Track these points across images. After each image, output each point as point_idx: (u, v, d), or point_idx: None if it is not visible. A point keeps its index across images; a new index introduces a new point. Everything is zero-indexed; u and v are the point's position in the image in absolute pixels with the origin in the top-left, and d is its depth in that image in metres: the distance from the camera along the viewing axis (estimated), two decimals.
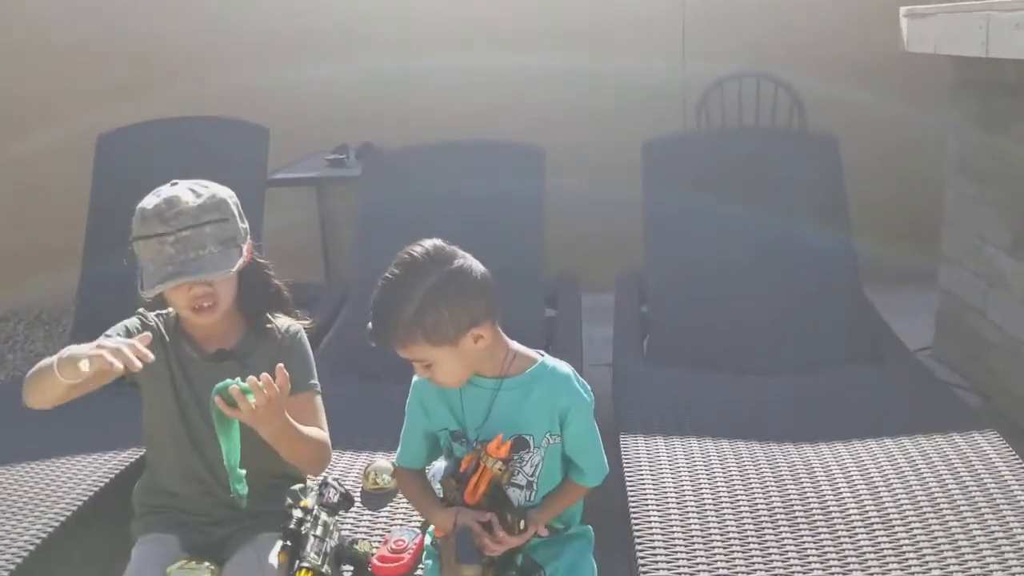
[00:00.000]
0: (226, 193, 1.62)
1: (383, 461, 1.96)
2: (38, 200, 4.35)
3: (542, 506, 1.53)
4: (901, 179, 4.02)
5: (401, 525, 1.80)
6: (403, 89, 4.16)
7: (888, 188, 3.98)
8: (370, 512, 1.86)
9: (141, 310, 1.70)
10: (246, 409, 1.42)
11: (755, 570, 1.60)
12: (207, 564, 1.52)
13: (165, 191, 1.56)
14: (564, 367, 1.56)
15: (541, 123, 3.81)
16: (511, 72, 4.11)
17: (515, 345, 1.55)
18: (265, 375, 1.44)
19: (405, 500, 1.88)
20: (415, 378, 1.59)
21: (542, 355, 1.57)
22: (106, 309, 2.69)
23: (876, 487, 1.81)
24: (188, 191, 1.56)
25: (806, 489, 1.83)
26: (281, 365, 1.48)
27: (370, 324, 1.45)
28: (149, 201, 1.55)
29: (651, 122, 3.25)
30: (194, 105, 3.24)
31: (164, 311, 1.71)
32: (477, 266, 1.47)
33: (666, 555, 1.65)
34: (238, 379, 1.44)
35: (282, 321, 1.70)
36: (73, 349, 1.44)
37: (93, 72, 4.22)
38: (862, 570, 1.59)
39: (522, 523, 1.45)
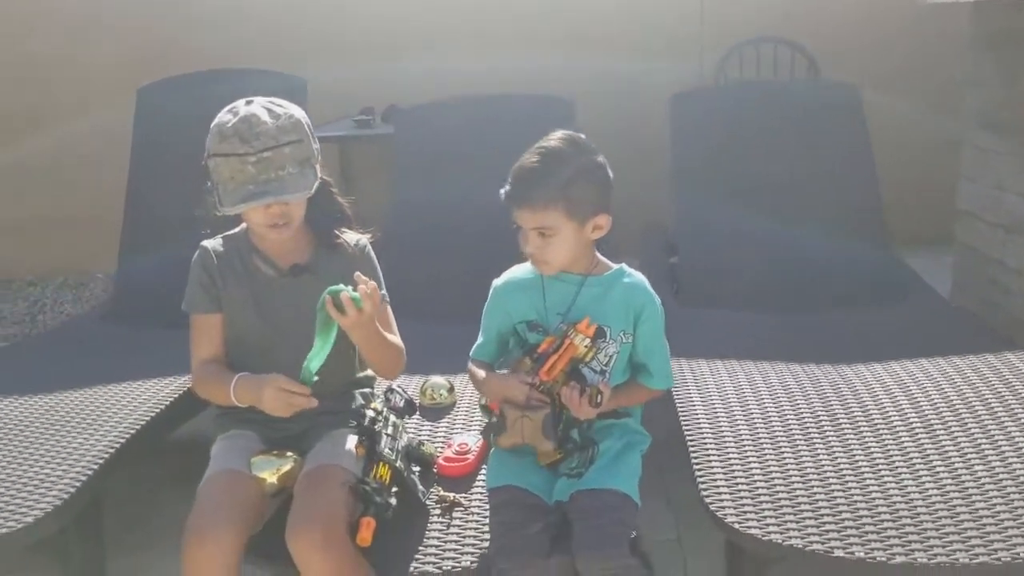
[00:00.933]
0: (300, 113, 1.66)
1: (439, 378, 2.03)
2: (59, 169, 4.40)
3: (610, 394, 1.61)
4: (918, 144, 4.10)
5: (462, 431, 1.87)
6: (425, 53, 4.21)
7: (904, 152, 4.05)
8: (430, 422, 1.94)
9: (203, 243, 1.75)
10: (353, 316, 1.51)
11: (806, 472, 1.67)
12: (290, 454, 1.59)
13: (242, 109, 1.60)
14: (640, 275, 1.69)
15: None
16: (531, 37, 4.18)
17: (598, 254, 1.69)
18: (372, 283, 1.53)
19: (463, 412, 1.97)
20: (495, 283, 1.71)
21: (621, 264, 1.70)
22: (149, 262, 2.80)
23: (915, 397, 1.89)
24: (264, 110, 1.60)
25: (848, 401, 1.90)
26: (360, 275, 1.56)
27: (508, 186, 1.58)
28: (226, 118, 1.60)
29: (667, 90, 3.30)
30: None
31: (232, 231, 1.77)
32: None
33: (719, 458, 1.72)
34: (349, 287, 1.51)
35: (350, 235, 1.77)
36: (248, 389, 1.61)
37: (121, 47, 4.26)
38: (908, 470, 1.67)
39: (599, 397, 1.53)
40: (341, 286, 1.52)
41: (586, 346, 1.56)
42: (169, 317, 2.63)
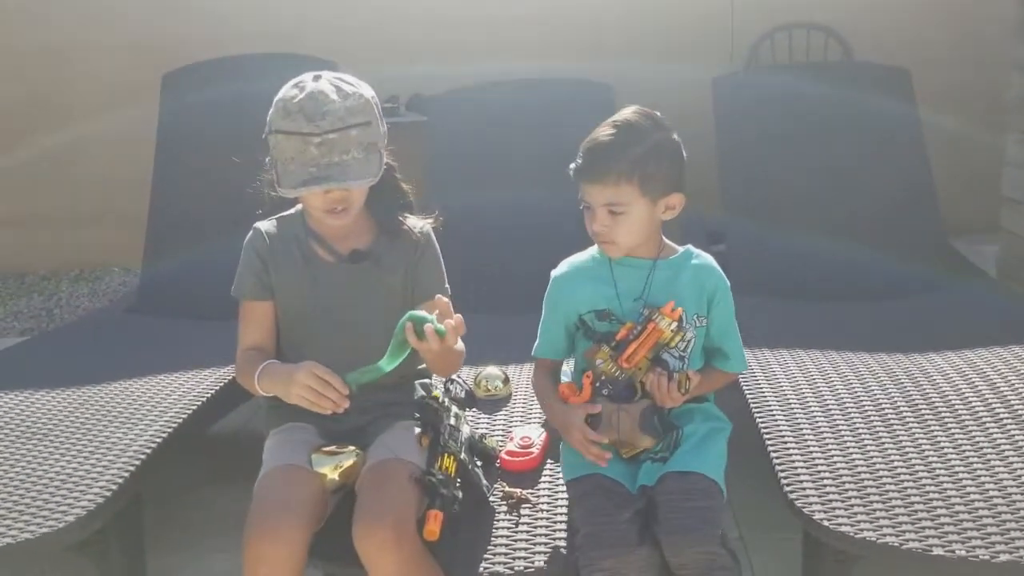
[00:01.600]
0: (370, 93, 1.53)
1: (493, 369, 1.94)
2: (70, 164, 4.30)
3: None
4: (952, 132, 4.00)
5: (521, 424, 1.78)
6: (444, 43, 4.11)
7: (939, 140, 3.96)
8: (486, 415, 1.84)
9: (257, 225, 1.62)
10: (435, 346, 1.40)
11: (893, 463, 1.58)
12: (352, 448, 1.49)
13: (309, 84, 1.47)
14: (708, 255, 1.60)
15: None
16: (557, 25, 4.10)
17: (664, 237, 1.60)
18: (459, 316, 1.43)
19: (520, 403, 1.88)
20: (555, 273, 1.62)
21: (687, 246, 1.61)
22: (176, 252, 2.71)
23: (996, 385, 1.79)
24: (333, 87, 1.47)
25: (925, 388, 1.81)
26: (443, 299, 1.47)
27: (579, 159, 1.49)
28: (290, 94, 1.47)
29: (696, 78, 3.21)
30: None
31: (287, 212, 1.64)
32: None
33: (799, 450, 1.63)
34: (433, 318, 1.40)
35: (412, 221, 1.65)
36: (276, 377, 1.48)
37: (132, 44, 4.16)
38: (1000, 460, 1.57)
39: (687, 383, 1.46)
40: (424, 313, 1.41)
41: (672, 330, 1.47)
42: (199, 308, 2.57)
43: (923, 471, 1.55)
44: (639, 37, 4.09)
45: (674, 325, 1.47)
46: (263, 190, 1.55)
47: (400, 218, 1.63)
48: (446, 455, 1.47)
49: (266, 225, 1.62)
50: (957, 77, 3.97)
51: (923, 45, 3.95)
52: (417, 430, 1.53)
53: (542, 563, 1.44)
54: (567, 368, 1.68)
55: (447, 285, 1.66)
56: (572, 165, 1.51)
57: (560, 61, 3.54)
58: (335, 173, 1.46)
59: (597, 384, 1.48)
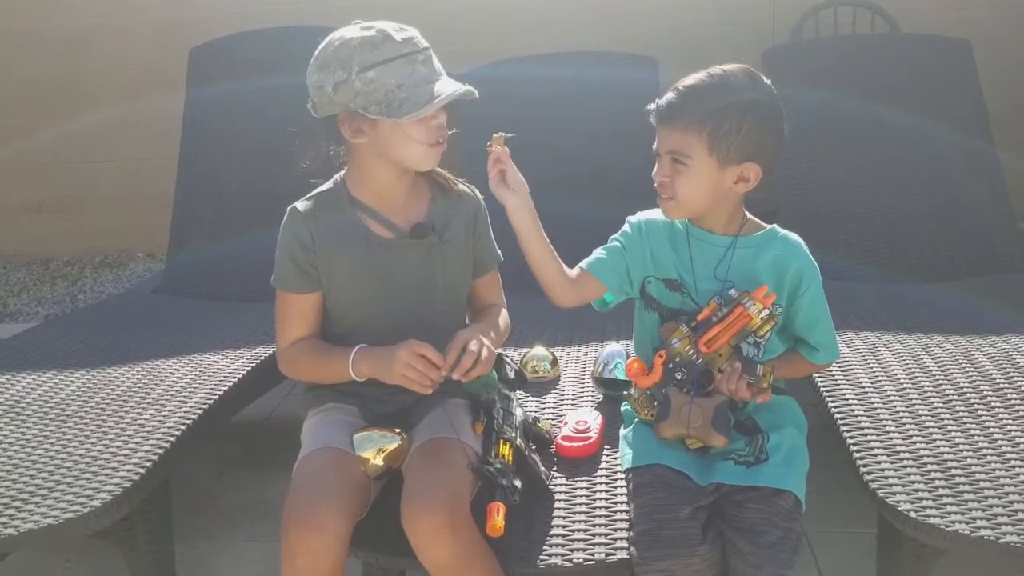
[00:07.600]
0: None
1: (541, 350, 1.82)
2: (96, 148, 4.22)
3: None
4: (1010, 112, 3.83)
5: (573, 407, 1.67)
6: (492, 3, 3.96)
7: (1000, 119, 3.79)
8: (535, 398, 1.73)
9: (295, 206, 1.45)
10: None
11: (982, 451, 1.45)
12: (398, 431, 1.38)
13: (372, 23, 1.33)
14: (795, 236, 1.44)
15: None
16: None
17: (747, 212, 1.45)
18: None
19: (570, 386, 1.76)
20: (634, 217, 1.49)
21: (773, 224, 1.45)
22: (205, 230, 2.61)
23: None
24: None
25: (1011, 373, 1.67)
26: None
27: (662, 99, 1.36)
28: (361, 33, 1.31)
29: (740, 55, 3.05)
30: None
31: (324, 188, 1.46)
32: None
33: (879, 439, 1.50)
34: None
35: (460, 186, 1.54)
36: (373, 359, 1.36)
37: (151, 32, 4.06)
38: None
39: (771, 378, 1.33)
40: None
41: (762, 317, 1.33)
42: (227, 290, 2.48)
43: (1015, 457, 1.42)
44: (684, 13, 3.95)
45: (765, 312, 1.32)
46: (317, 160, 1.44)
47: (453, 177, 1.51)
48: (502, 441, 1.35)
49: (304, 205, 1.44)
50: (1011, 57, 3.81)
51: (975, 23, 3.79)
52: (468, 411, 1.41)
53: (602, 556, 1.33)
54: (620, 347, 1.56)
55: (498, 251, 1.57)
56: (651, 105, 1.38)
57: (603, 34, 3.41)
58: (453, 84, 1.34)
59: (670, 366, 1.35)
